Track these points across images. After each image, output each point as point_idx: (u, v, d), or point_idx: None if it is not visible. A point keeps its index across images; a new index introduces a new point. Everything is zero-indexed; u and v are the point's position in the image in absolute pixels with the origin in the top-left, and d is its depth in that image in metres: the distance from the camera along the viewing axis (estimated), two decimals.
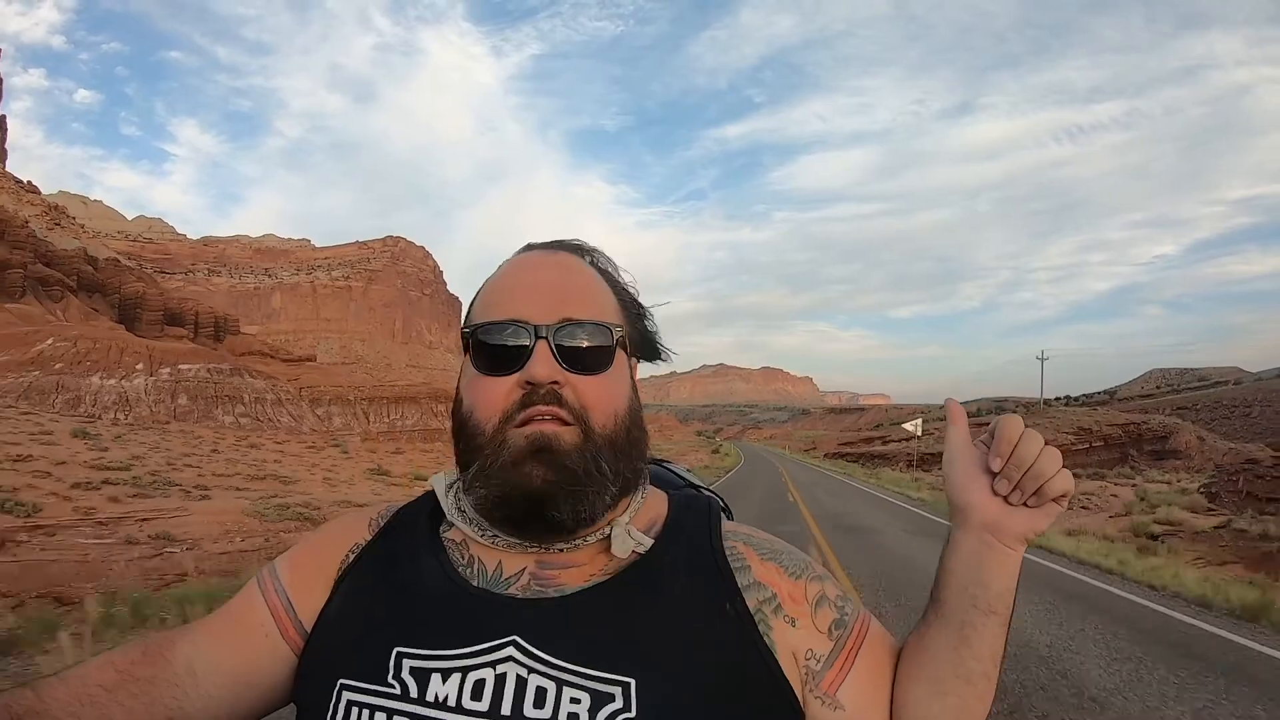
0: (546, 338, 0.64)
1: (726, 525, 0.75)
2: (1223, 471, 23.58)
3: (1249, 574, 9.62)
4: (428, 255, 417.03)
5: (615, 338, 0.67)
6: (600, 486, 0.64)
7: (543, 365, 0.63)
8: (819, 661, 0.67)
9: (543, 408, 0.63)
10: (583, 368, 0.65)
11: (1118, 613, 7.45)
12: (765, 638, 0.65)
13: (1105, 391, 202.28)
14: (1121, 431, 55.79)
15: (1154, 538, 13.82)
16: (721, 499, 0.86)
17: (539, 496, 0.63)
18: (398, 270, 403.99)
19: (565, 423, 0.64)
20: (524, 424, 0.64)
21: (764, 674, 0.64)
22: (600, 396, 0.65)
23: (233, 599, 0.75)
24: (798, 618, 0.67)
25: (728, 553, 0.70)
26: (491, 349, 0.66)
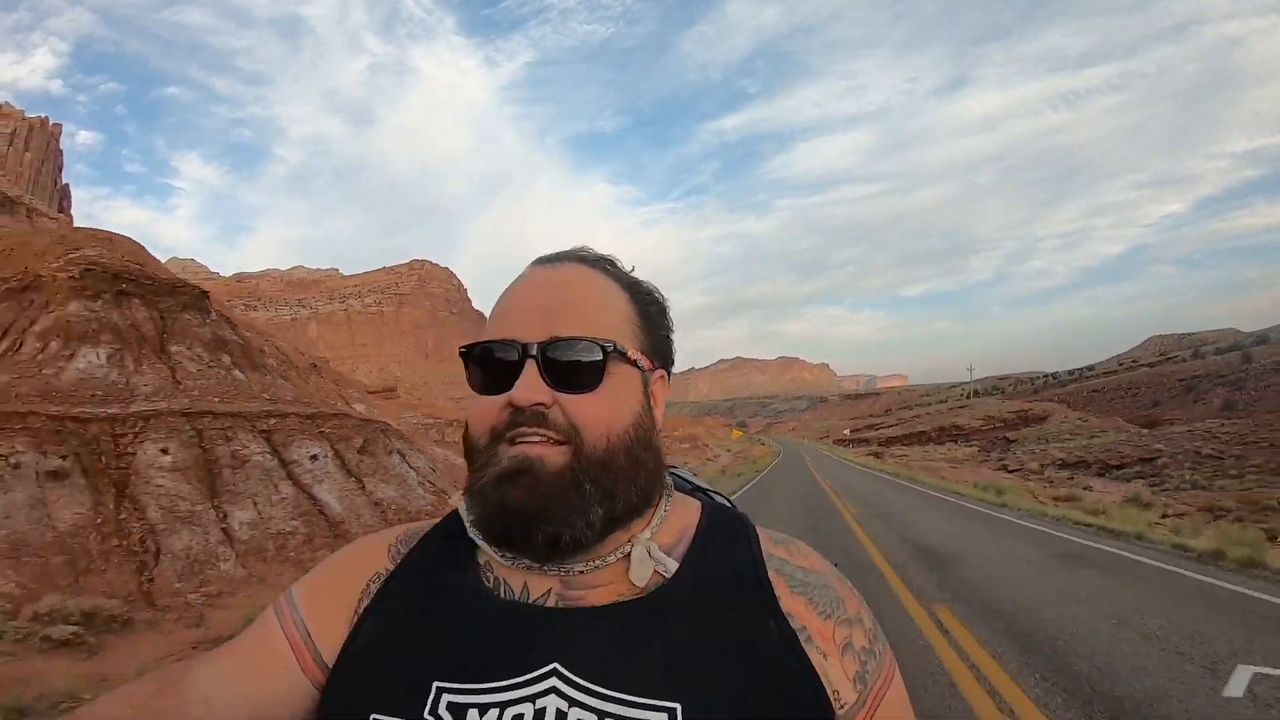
0: (535, 356, 0.64)
1: (764, 544, 0.72)
2: (990, 438, 56.88)
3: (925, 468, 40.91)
4: (452, 275, 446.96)
5: (608, 354, 0.65)
6: (583, 509, 0.63)
7: (525, 387, 0.63)
8: (845, 708, 0.66)
9: (527, 429, 0.63)
10: (572, 386, 0.64)
11: (900, 484, 26.95)
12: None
13: (1086, 367, 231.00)
14: (1015, 416, 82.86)
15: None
16: (731, 504, 0.83)
17: (514, 517, 0.63)
18: (425, 292, 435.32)
19: (556, 442, 0.63)
20: (513, 442, 0.64)
21: (809, 695, 0.63)
22: (592, 416, 0.64)
23: (249, 628, 0.74)
24: (827, 654, 0.66)
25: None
26: (483, 368, 0.67)
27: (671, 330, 0.74)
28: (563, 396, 0.64)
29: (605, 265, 0.73)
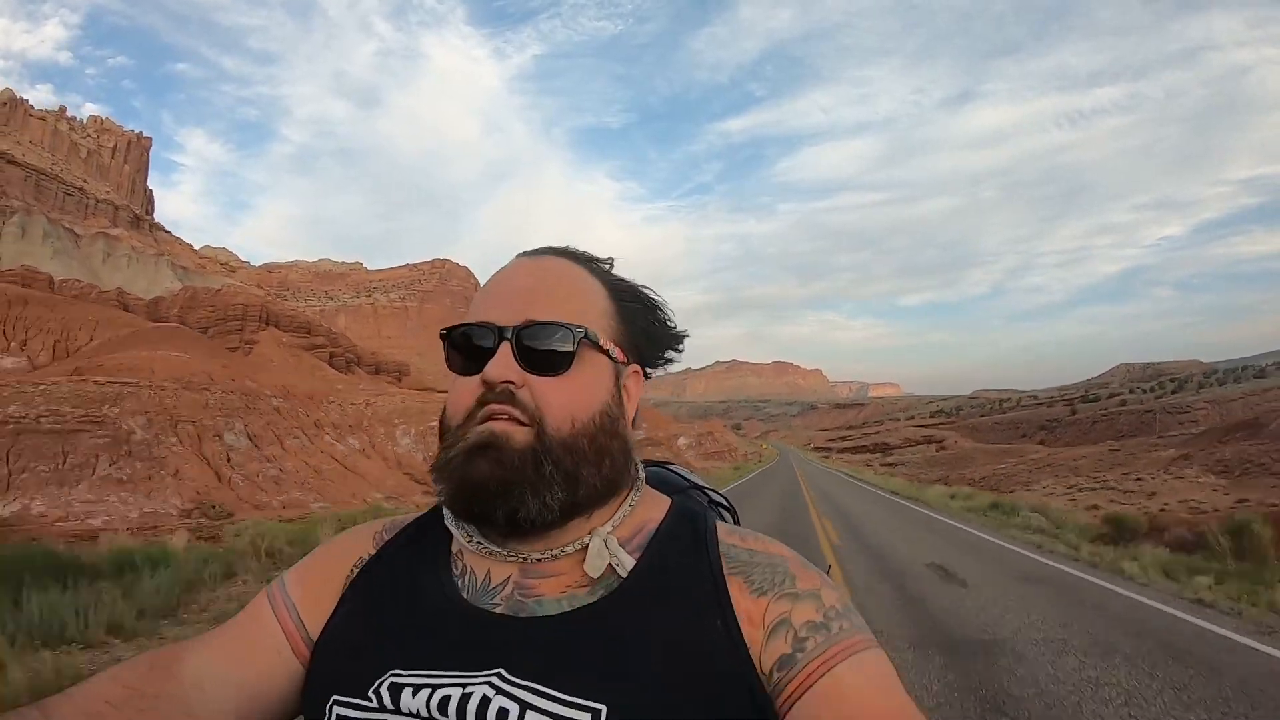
0: (510, 339, 0.67)
1: (719, 535, 0.72)
2: (892, 451, 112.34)
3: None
4: (470, 274, 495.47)
5: (578, 339, 0.68)
6: (544, 488, 0.65)
7: (497, 365, 0.66)
8: (773, 685, 0.64)
9: (496, 406, 0.66)
10: (542, 369, 0.67)
11: (818, 466, 73.21)
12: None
13: (1030, 394, 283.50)
14: (922, 438, 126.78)
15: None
16: (728, 501, 0.87)
17: (479, 490, 0.65)
18: (446, 290, 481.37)
19: (520, 423, 0.66)
20: (483, 421, 0.67)
21: (744, 696, 0.63)
22: (558, 399, 0.67)
23: (241, 613, 0.76)
24: (751, 644, 0.65)
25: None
26: (460, 349, 0.70)
27: (659, 330, 0.76)
28: (533, 379, 0.67)
29: (586, 260, 0.76)
